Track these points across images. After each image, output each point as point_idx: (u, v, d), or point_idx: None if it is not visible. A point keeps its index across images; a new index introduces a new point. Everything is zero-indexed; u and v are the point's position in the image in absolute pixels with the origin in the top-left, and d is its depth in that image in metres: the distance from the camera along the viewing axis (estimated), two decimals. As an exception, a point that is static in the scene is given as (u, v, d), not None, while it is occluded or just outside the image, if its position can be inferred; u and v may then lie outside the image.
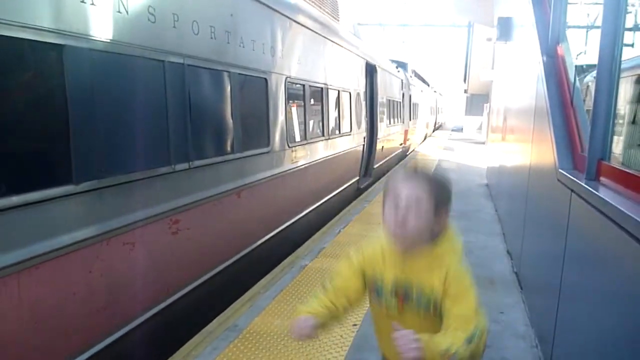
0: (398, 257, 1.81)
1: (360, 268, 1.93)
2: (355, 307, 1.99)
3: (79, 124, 2.92)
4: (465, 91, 34.68)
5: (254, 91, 5.49)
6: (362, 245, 1.97)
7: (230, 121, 4.82)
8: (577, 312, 2.80)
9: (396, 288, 1.81)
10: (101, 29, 3.12)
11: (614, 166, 2.66)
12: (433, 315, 1.75)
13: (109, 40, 3.19)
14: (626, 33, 2.84)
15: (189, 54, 4.02)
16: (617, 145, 2.98)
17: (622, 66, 2.82)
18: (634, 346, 1.92)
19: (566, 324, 3.05)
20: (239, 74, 4.93)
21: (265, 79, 5.60)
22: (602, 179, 2.76)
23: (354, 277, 1.94)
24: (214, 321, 4.14)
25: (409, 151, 20.60)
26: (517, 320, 4.25)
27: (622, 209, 2.09)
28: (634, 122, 2.88)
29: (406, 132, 19.02)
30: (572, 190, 2.98)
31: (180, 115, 3.95)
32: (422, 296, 1.76)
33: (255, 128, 5.52)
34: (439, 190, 1.74)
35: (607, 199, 2.32)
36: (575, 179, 2.94)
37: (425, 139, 29.82)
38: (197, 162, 4.16)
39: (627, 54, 2.92)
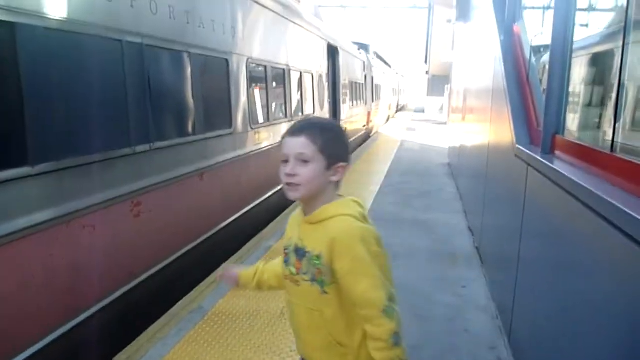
0: (302, 218, 1.72)
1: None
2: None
3: (34, 105, 2.84)
4: (427, 73, 35.01)
5: (215, 72, 5.42)
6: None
7: (191, 102, 4.76)
8: (534, 283, 2.89)
9: (296, 249, 1.70)
10: (56, 7, 3.03)
11: (568, 140, 2.75)
12: (322, 290, 1.63)
13: (65, 19, 3.10)
14: (580, 14, 2.92)
15: (148, 34, 3.94)
16: (573, 123, 3.07)
17: (578, 45, 2.90)
18: (587, 312, 2.01)
19: (524, 295, 3.15)
20: (199, 54, 4.85)
21: (227, 60, 5.54)
22: (557, 152, 2.84)
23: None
24: (179, 303, 4.12)
25: (372, 133, 20.71)
26: (479, 294, 4.37)
27: (576, 179, 2.15)
28: (589, 104, 2.98)
29: (369, 113, 19.11)
30: (528, 165, 3.06)
31: (140, 96, 3.87)
32: (311, 262, 1.63)
33: (217, 109, 5.47)
34: (326, 135, 1.62)
35: (561, 171, 2.39)
36: (531, 153, 3.02)
37: (388, 120, 30.03)
38: (158, 144, 4.10)
39: (582, 34, 3.00)
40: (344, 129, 1.75)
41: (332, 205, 1.64)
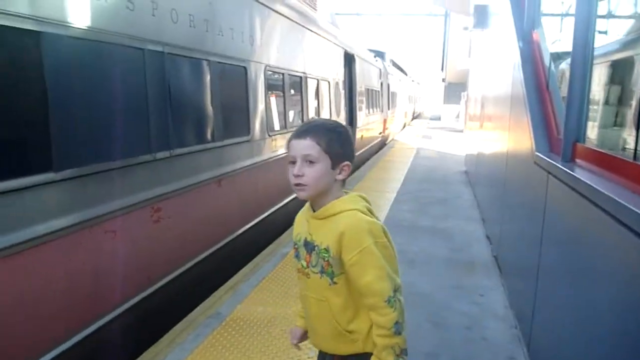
0: (310, 214, 1.79)
1: None
2: None
3: (58, 112, 2.89)
4: (443, 80, 34.89)
5: (234, 80, 5.47)
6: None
7: (210, 110, 4.81)
8: (555, 292, 2.87)
9: (305, 243, 1.78)
10: (80, 16, 3.09)
11: (589, 147, 2.73)
12: (332, 281, 1.70)
13: (88, 28, 3.16)
14: (600, 20, 2.91)
15: (169, 42, 3.99)
16: (592, 131, 3.05)
17: (598, 52, 2.88)
18: (609, 322, 1.99)
19: (544, 304, 3.12)
20: (219, 62, 4.91)
21: (245, 68, 5.59)
22: (578, 160, 2.82)
23: None
24: (197, 309, 4.15)
25: (388, 140, 20.69)
26: (497, 302, 4.34)
27: (598, 187, 2.14)
28: (606, 103, 2.96)
29: (385, 121, 19.09)
30: (549, 173, 3.04)
31: (161, 103, 3.92)
32: (320, 255, 1.71)
33: (235, 116, 5.51)
34: (330, 136, 1.69)
35: (583, 178, 2.38)
36: (552, 161, 3.00)
37: (404, 127, 29.98)
38: (178, 151, 4.15)
39: (603, 40, 2.99)
40: (347, 129, 1.81)
41: (340, 201, 1.71)
